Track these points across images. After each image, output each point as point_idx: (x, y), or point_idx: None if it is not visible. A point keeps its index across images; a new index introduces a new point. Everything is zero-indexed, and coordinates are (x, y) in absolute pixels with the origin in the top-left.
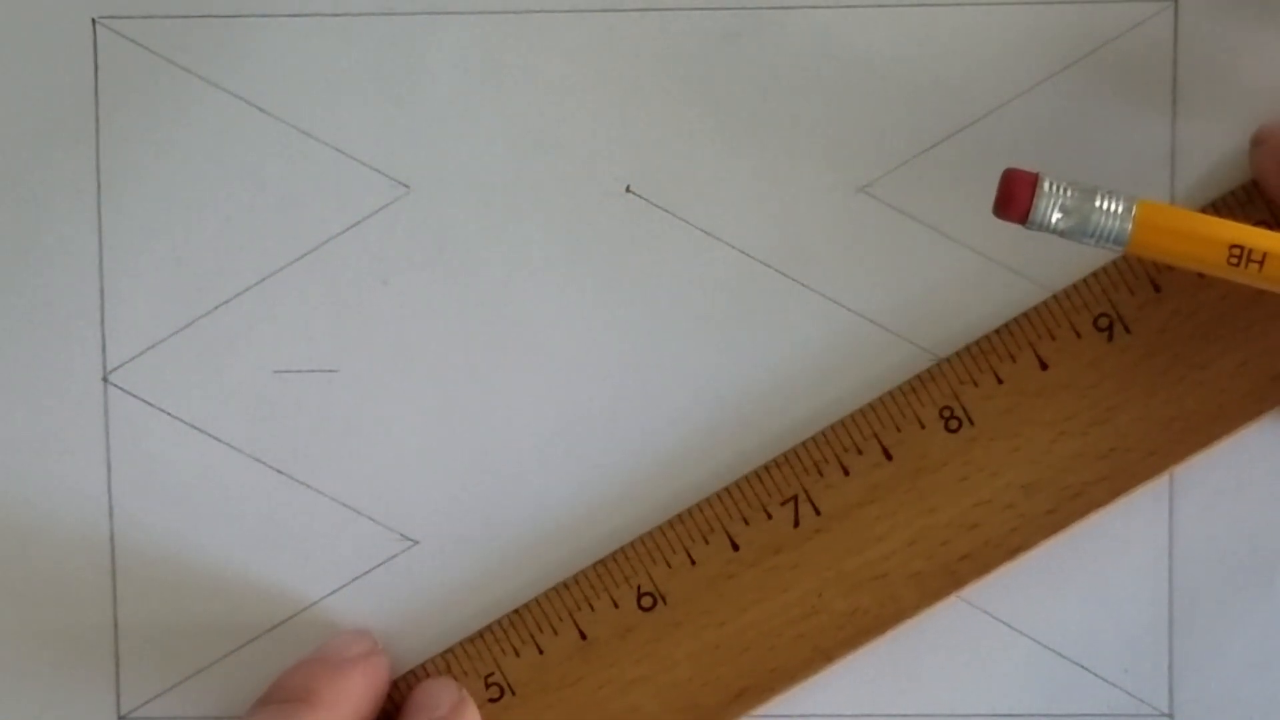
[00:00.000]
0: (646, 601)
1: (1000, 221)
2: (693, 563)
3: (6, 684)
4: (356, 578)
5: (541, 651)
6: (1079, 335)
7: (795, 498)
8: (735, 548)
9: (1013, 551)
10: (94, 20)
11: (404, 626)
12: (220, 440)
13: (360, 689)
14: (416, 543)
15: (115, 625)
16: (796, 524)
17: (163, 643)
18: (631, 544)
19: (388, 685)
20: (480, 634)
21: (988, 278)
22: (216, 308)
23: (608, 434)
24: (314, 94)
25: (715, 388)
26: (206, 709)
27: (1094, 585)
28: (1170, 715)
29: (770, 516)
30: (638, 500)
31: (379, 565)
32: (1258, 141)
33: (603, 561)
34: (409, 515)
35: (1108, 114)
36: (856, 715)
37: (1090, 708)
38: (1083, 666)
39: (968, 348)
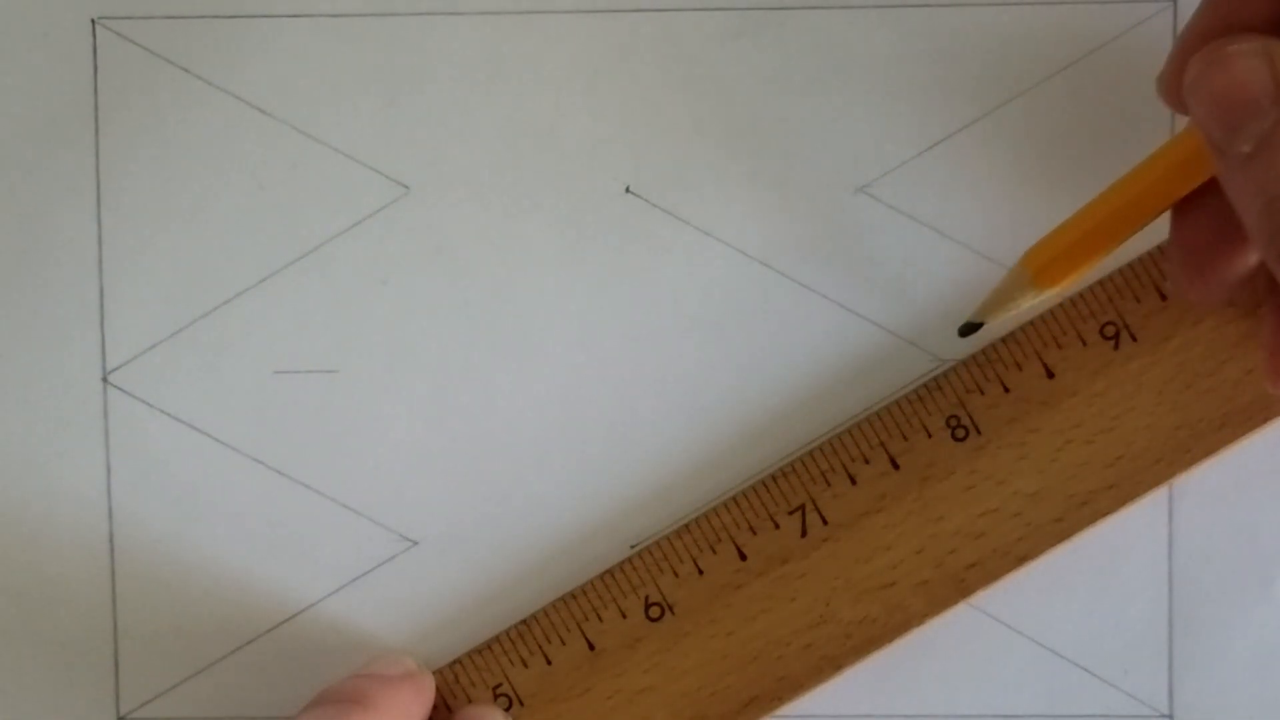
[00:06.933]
0: (654, 611)
1: (1000, 220)
2: (700, 572)
3: (6, 684)
4: (356, 578)
5: (550, 662)
6: (1085, 343)
7: (802, 507)
8: (743, 557)
9: (1020, 560)
10: (94, 20)
11: (404, 627)
12: (220, 440)
13: (409, 698)
14: (416, 543)
15: (115, 626)
16: (804, 533)
17: (162, 643)
18: (639, 554)
19: (433, 702)
20: (488, 644)
21: (988, 278)
22: (216, 308)
23: (607, 437)
24: (314, 94)
25: (717, 390)
26: (206, 710)
27: (1094, 586)
28: (1170, 716)
29: (778, 526)
30: (642, 509)
31: (379, 565)
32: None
33: (610, 571)
34: (409, 515)
35: (1108, 114)
36: (857, 715)
37: (1090, 708)
38: (1083, 667)
39: (974, 356)
